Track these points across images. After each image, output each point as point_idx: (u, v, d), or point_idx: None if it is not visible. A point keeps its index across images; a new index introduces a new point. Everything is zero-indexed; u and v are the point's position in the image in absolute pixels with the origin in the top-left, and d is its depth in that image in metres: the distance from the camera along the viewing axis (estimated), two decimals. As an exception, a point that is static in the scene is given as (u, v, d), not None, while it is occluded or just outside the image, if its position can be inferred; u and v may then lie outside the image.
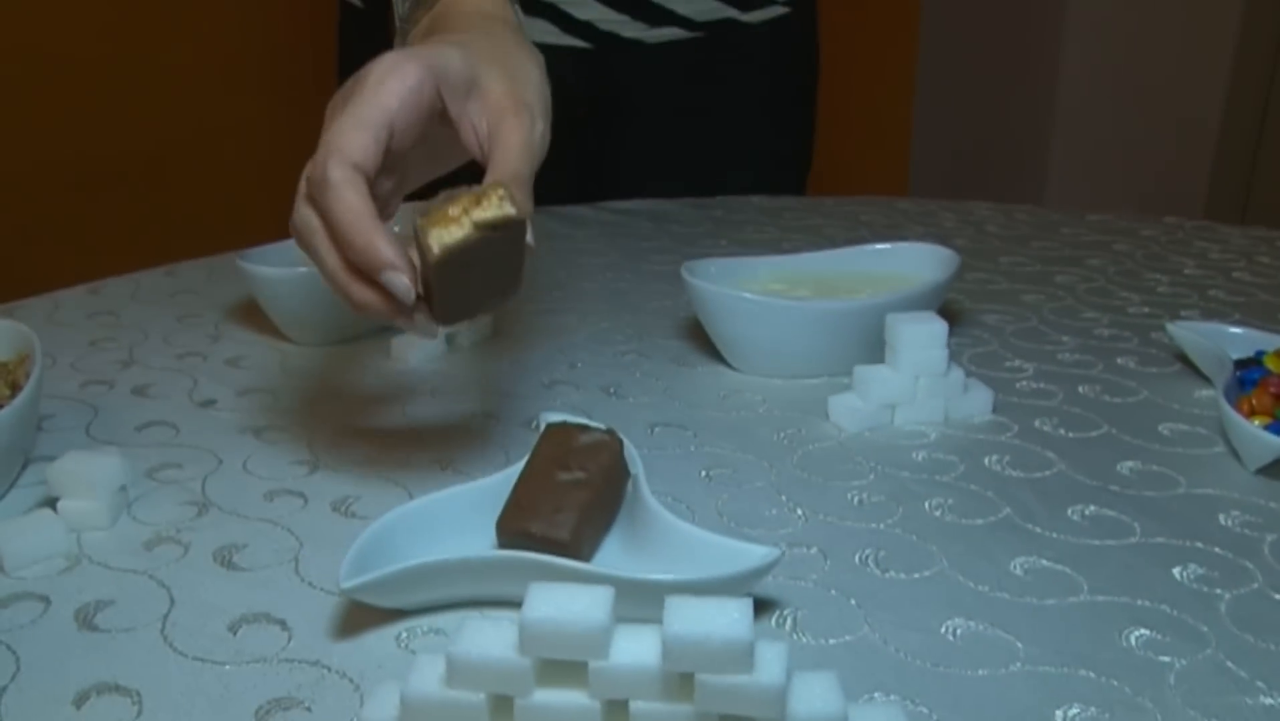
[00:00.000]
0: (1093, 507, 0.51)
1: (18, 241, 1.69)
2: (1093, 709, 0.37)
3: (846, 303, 0.65)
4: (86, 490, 0.49)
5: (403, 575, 0.40)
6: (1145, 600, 0.44)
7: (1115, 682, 0.39)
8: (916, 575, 0.46)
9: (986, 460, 0.56)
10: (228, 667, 0.40)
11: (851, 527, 0.49)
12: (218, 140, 1.82)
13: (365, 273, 0.45)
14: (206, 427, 0.60)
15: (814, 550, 0.47)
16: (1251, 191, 2.18)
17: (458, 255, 0.42)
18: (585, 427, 0.47)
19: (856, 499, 0.52)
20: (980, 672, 0.39)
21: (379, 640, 0.41)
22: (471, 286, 0.45)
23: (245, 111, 1.83)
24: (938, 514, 0.50)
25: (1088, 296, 0.81)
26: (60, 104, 1.70)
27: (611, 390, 0.64)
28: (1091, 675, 0.39)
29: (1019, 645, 0.41)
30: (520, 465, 0.47)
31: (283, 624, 0.42)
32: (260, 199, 1.79)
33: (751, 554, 0.41)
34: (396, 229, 0.53)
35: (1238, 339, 0.64)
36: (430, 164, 0.53)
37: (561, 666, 0.32)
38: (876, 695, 0.38)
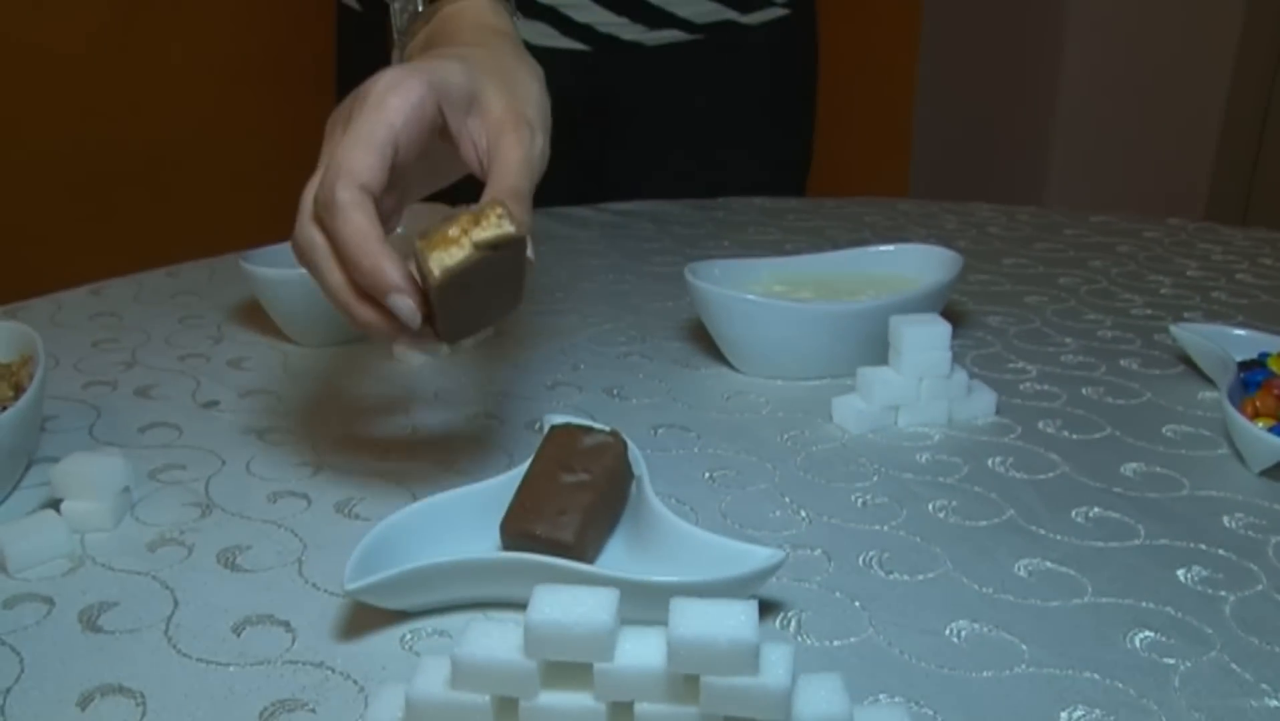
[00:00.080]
0: (1096, 509, 0.51)
1: (19, 242, 1.69)
2: (1097, 711, 0.37)
3: (850, 304, 0.65)
4: (90, 491, 0.49)
5: (407, 576, 0.40)
6: (1149, 602, 0.44)
7: (1120, 684, 0.39)
8: (920, 577, 0.46)
9: (990, 462, 0.56)
10: (232, 669, 0.40)
11: (855, 529, 0.49)
12: (219, 141, 1.82)
13: (370, 294, 0.44)
14: (209, 429, 0.60)
15: (818, 552, 0.47)
16: (1252, 192, 2.18)
17: (459, 277, 0.42)
18: (589, 429, 0.47)
19: (860, 500, 0.52)
20: (985, 674, 0.39)
21: (383, 642, 0.41)
22: (473, 304, 0.45)
23: (246, 112, 1.83)
24: (941, 515, 0.50)
25: (1090, 298, 0.81)
26: (61, 105, 1.70)
27: (614, 391, 0.64)
28: (1096, 677, 0.39)
29: (1023, 647, 0.41)
30: (524, 467, 0.47)
31: (287, 625, 0.42)
32: (262, 200, 1.79)
33: (756, 555, 0.41)
34: (401, 230, 0.53)
35: (1241, 340, 0.64)
36: (430, 178, 0.52)
37: (566, 668, 0.32)
38: (881, 697, 0.38)
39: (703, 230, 0.98)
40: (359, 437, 0.59)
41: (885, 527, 0.49)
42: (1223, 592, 0.44)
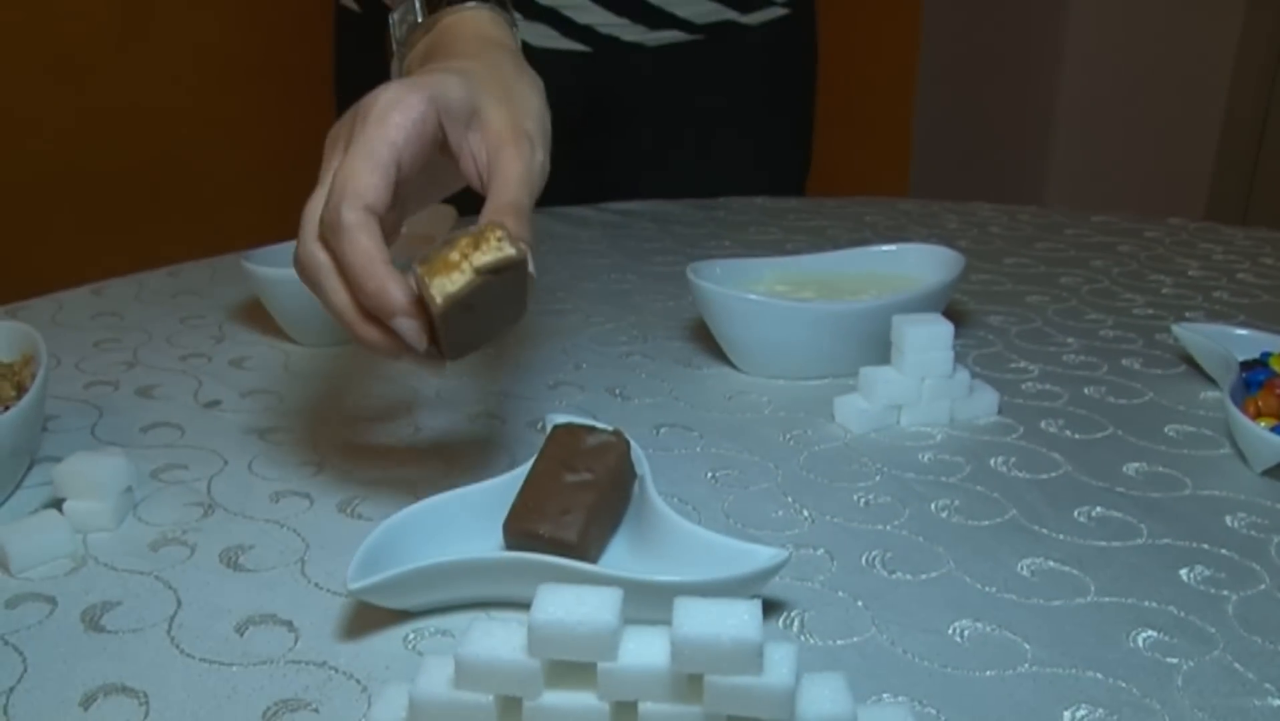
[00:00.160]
0: (1099, 509, 0.51)
1: (20, 242, 1.69)
2: (1100, 710, 0.37)
3: (852, 304, 0.65)
4: (92, 491, 0.49)
5: (410, 576, 0.40)
6: (1152, 601, 0.44)
7: (1123, 684, 0.39)
8: (923, 576, 0.46)
9: (992, 461, 0.56)
10: (235, 669, 0.40)
11: (858, 529, 0.49)
12: (219, 141, 1.82)
13: (375, 314, 0.44)
14: (211, 429, 0.60)
15: (820, 551, 0.47)
16: (1253, 192, 2.18)
17: (461, 302, 0.42)
18: (592, 429, 0.47)
19: (863, 500, 0.52)
20: (988, 674, 0.39)
21: (386, 641, 0.41)
22: (477, 322, 0.45)
23: (246, 113, 1.83)
24: (944, 515, 0.50)
25: (1092, 298, 0.81)
26: (61, 105, 1.70)
27: (616, 391, 0.64)
28: (1099, 676, 0.39)
29: (1026, 646, 0.41)
30: (526, 466, 0.47)
31: (289, 625, 0.42)
32: (262, 200, 1.79)
33: (759, 555, 0.41)
34: (403, 229, 0.53)
35: (1243, 340, 0.64)
36: (430, 191, 0.52)
37: (570, 667, 0.32)
38: (884, 696, 0.38)
39: (704, 230, 0.98)
40: (361, 437, 0.59)
41: (888, 527, 0.49)
42: (1225, 592, 0.44)
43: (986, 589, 0.45)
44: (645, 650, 0.32)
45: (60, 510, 0.48)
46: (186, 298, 0.81)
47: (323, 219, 0.45)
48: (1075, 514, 0.50)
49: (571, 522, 0.43)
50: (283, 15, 1.78)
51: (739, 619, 0.31)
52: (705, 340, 0.70)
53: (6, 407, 0.51)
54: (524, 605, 0.33)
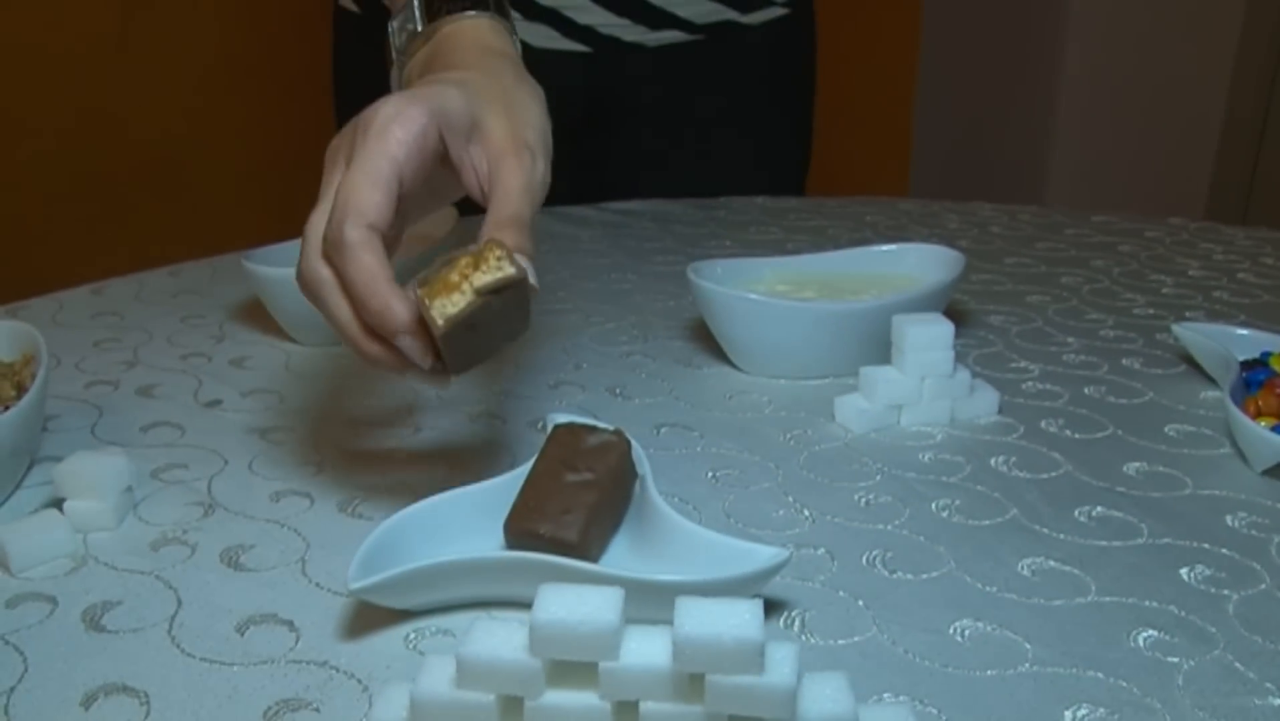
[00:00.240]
0: (1099, 509, 0.51)
1: (20, 242, 1.69)
2: (1101, 709, 0.37)
3: (852, 304, 0.65)
4: (92, 491, 0.49)
5: (411, 576, 0.40)
6: (1153, 601, 0.44)
7: (1124, 683, 0.39)
8: (924, 576, 0.46)
9: (993, 461, 0.56)
10: (235, 668, 0.40)
11: (859, 528, 0.49)
12: (219, 141, 1.82)
13: (378, 332, 0.44)
14: (212, 428, 0.60)
15: (821, 551, 0.47)
16: (1253, 192, 2.18)
17: (463, 322, 0.42)
18: (593, 428, 0.47)
19: (863, 500, 0.52)
20: (989, 673, 0.39)
21: (387, 641, 0.41)
22: (480, 339, 0.45)
23: (247, 113, 1.83)
24: (944, 515, 0.50)
25: (1092, 297, 0.81)
26: (62, 105, 1.70)
27: (617, 391, 0.64)
28: (1100, 676, 0.39)
29: (1027, 646, 0.41)
30: (527, 466, 0.47)
31: (290, 624, 0.42)
32: (262, 200, 1.79)
33: (760, 554, 0.41)
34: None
35: (1243, 340, 0.64)
36: (429, 202, 0.52)
37: (571, 667, 0.32)
38: (885, 696, 0.38)
39: (704, 229, 0.98)
40: (362, 437, 0.59)
41: (888, 527, 0.49)
42: (1226, 591, 0.44)
43: (987, 588, 0.45)
44: (647, 649, 0.32)
45: (60, 510, 0.48)
46: (187, 297, 0.81)
47: (326, 236, 0.44)
48: (1076, 513, 0.50)
49: (572, 522, 0.43)
50: (282, 16, 1.78)
51: (740, 618, 0.31)
52: (706, 340, 0.70)
53: (7, 407, 0.51)
54: (525, 605, 0.33)
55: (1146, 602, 0.44)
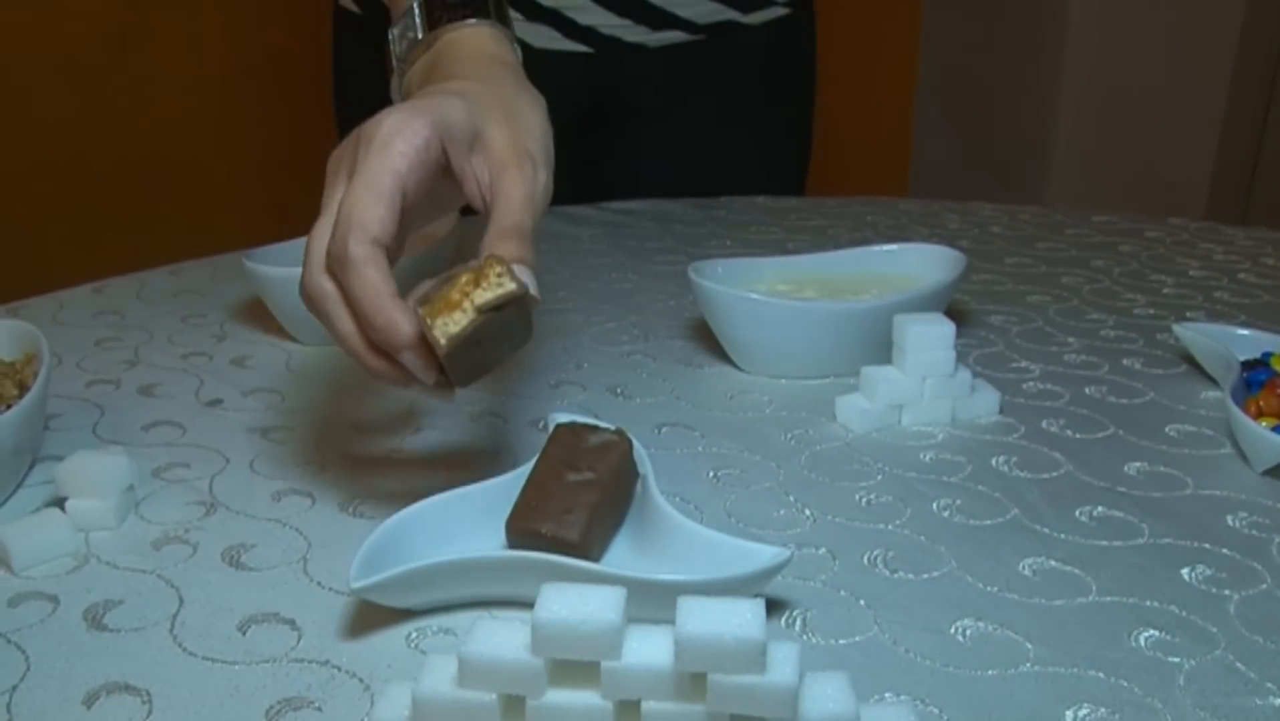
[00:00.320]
0: (1100, 508, 0.51)
1: (20, 241, 1.69)
2: (1102, 709, 0.37)
3: (853, 304, 0.65)
4: (94, 490, 0.49)
5: (412, 575, 0.40)
6: (1154, 601, 0.44)
7: (1125, 683, 0.39)
8: (925, 576, 0.46)
9: (994, 461, 0.56)
10: (237, 667, 0.40)
11: (860, 528, 0.49)
12: (220, 141, 1.82)
13: (382, 348, 0.44)
14: (213, 427, 0.60)
15: (822, 550, 0.47)
16: (1253, 192, 2.18)
17: (466, 339, 0.42)
18: (594, 428, 0.47)
19: (864, 499, 0.52)
20: (990, 673, 0.39)
21: (389, 640, 0.41)
22: (483, 352, 0.45)
23: (248, 113, 1.83)
24: (945, 515, 0.51)
25: (1093, 298, 0.81)
26: (62, 105, 1.70)
27: (618, 390, 0.64)
28: (1101, 675, 0.39)
29: (1028, 645, 0.41)
30: (529, 465, 0.47)
31: (292, 623, 0.42)
32: (263, 200, 1.79)
33: (762, 554, 0.41)
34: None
35: (1244, 340, 0.64)
36: (430, 212, 0.52)
37: (573, 666, 0.32)
38: (887, 695, 0.38)
39: (705, 229, 0.98)
40: (363, 436, 0.59)
41: (889, 526, 0.49)
42: (1227, 591, 0.44)
43: (988, 588, 0.45)
44: (648, 649, 0.32)
45: (62, 508, 0.48)
46: (188, 296, 0.81)
47: (330, 251, 0.44)
48: (1077, 513, 0.50)
49: (574, 521, 0.43)
50: (282, 16, 1.78)
51: (742, 617, 0.31)
52: (707, 339, 0.70)
53: (9, 406, 0.51)
54: (526, 604, 0.33)
55: (1147, 602, 0.44)
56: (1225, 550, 0.47)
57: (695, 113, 1.03)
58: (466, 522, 0.45)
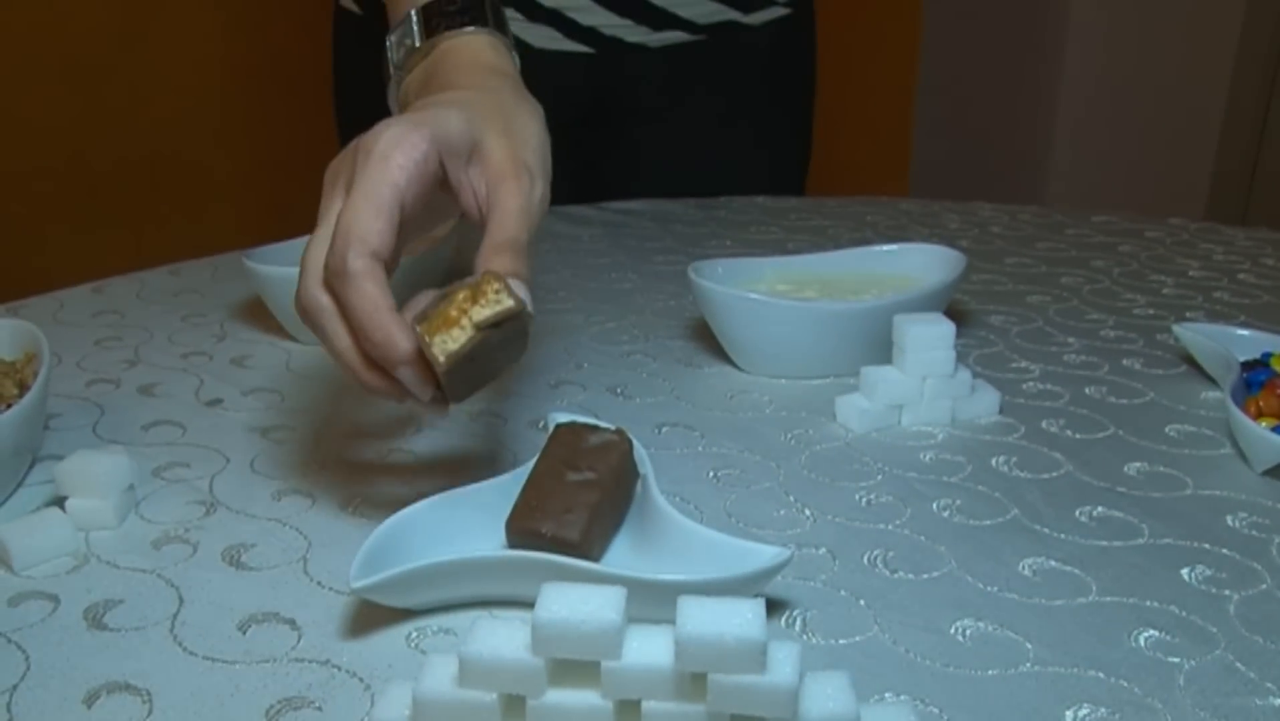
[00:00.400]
0: (1100, 509, 0.51)
1: (20, 240, 1.69)
2: (1102, 709, 0.37)
3: (853, 304, 0.65)
4: (94, 489, 0.49)
5: (413, 575, 0.40)
6: (1154, 601, 0.44)
7: (1125, 683, 0.39)
8: (925, 576, 0.46)
9: (994, 461, 0.56)
10: (238, 667, 0.40)
11: (860, 528, 0.49)
12: (221, 142, 1.82)
13: (379, 363, 0.44)
14: (213, 427, 0.60)
15: (822, 550, 0.47)
16: (1253, 192, 2.18)
17: (464, 356, 0.42)
18: (594, 428, 0.47)
19: (864, 499, 0.52)
20: (990, 673, 0.39)
21: (389, 640, 0.41)
22: (480, 368, 0.45)
23: (248, 113, 1.83)
24: (945, 515, 0.51)
25: (1093, 298, 0.81)
26: (62, 104, 1.70)
27: (618, 390, 0.65)
28: (1101, 675, 0.39)
29: (1028, 645, 0.41)
30: (529, 465, 0.47)
31: (292, 623, 0.42)
32: (263, 199, 1.79)
33: (762, 554, 0.41)
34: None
35: (1244, 340, 0.64)
36: (425, 224, 0.52)
37: (574, 666, 0.32)
38: (887, 695, 0.38)
39: (705, 229, 0.98)
40: (363, 436, 0.59)
41: (889, 526, 0.50)
42: (1227, 592, 0.44)
43: (988, 588, 0.45)
44: (649, 649, 0.32)
45: (62, 508, 0.48)
46: (188, 296, 0.81)
47: (328, 264, 0.44)
48: (1076, 513, 0.50)
49: (574, 521, 0.43)
50: (283, 16, 1.78)
51: (742, 617, 0.31)
52: (707, 339, 0.70)
53: (9, 405, 0.51)
54: (526, 604, 0.34)
55: (1147, 602, 0.44)
56: (1225, 550, 0.47)
57: (696, 113, 1.03)
58: (466, 522, 0.45)
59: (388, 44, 0.58)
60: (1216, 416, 0.61)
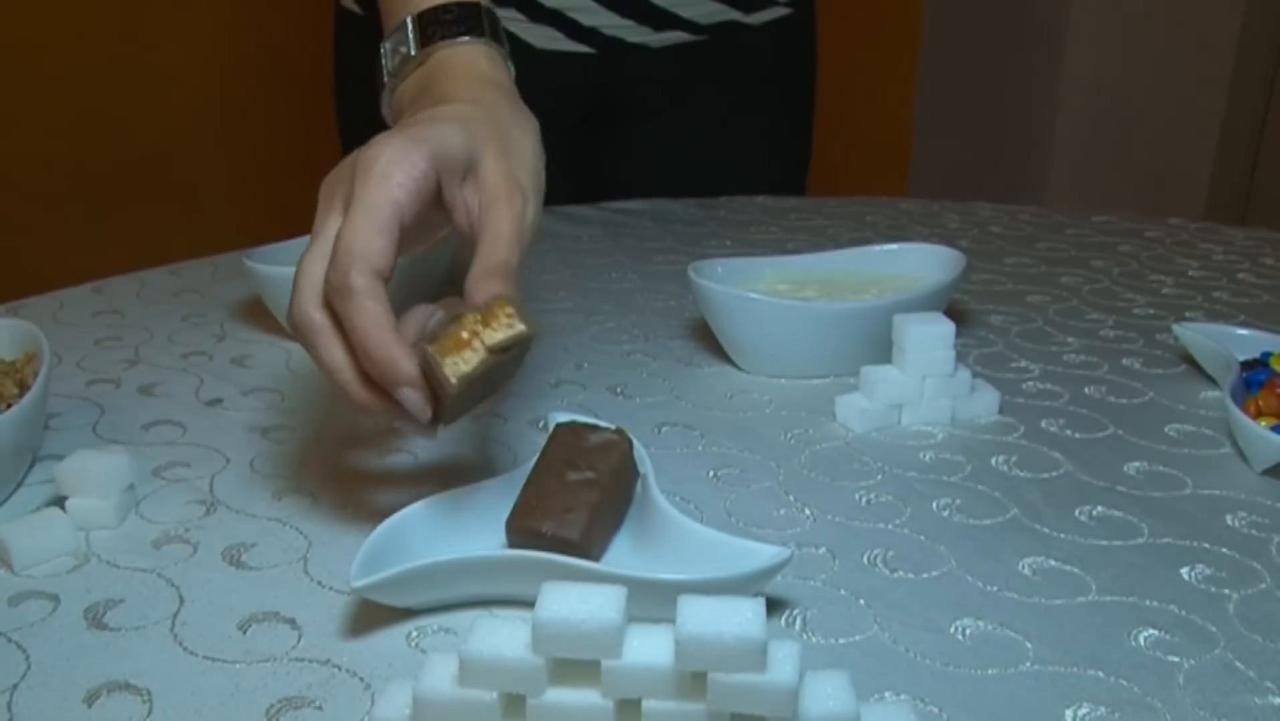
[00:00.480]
0: (1100, 508, 0.51)
1: (20, 240, 1.69)
2: (1102, 708, 0.37)
3: (853, 303, 0.65)
4: (94, 489, 0.49)
5: (413, 574, 0.40)
6: (1153, 600, 0.44)
7: (1124, 682, 0.39)
8: (925, 575, 0.46)
9: (993, 460, 0.56)
10: (238, 666, 0.40)
11: (860, 527, 0.49)
12: (219, 140, 1.82)
13: (378, 383, 0.43)
14: (213, 426, 0.60)
15: (822, 550, 0.47)
16: (1253, 192, 2.18)
17: (475, 379, 0.42)
18: (594, 427, 0.47)
19: (864, 499, 0.52)
20: (990, 672, 0.39)
21: (389, 639, 0.41)
22: (477, 391, 0.45)
23: (248, 113, 1.83)
24: (945, 514, 0.51)
25: (1092, 297, 0.81)
26: (62, 104, 1.70)
27: (618, 390, 0.65)
28: (1100, 675, 0.39)
29: (1028, 645, 0.41)
30: (529, 464, 0.47)
31: (292, 622, 0.42)
32: (264, 199, 1.79)
33: (762, 553, 0.41)
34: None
35: (1244, 340, 0.64)
36: (414, 240, 0.51)
37: (574, 665, 0.32)
38: (887, 694, 0.38)
39: (704, 229, 0.98)
40: (363, 435, 0.59)
41: (889, 526, 0.50)
42: (1226, 591, 0.44)
43: (988, 587, 0.45)
44: (649, 648, 0.32)
45: (63, 507, 0.48)
46: (188, 296, 0.81)
47: (330, 281, 0.43)
48: (1076, 513, 0.51)
49: (574, 521, 0.43)
50: (283, 16, 1.78)
51: (742, 616, 0.31)
52: (707, 339, 0.70)
53: (9, 405, 0.51)
54: (526, 603, 0.34)
55: (1147, 602, 0.44)
56: (1225, 549, 0.47)
57: (697, 113, 1.03)
58: (467, 522, 0.45)
59: (382, 51, 0.57)
60: (1216, 416, 0.61)
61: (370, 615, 0.42)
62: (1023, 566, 0.46)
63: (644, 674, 0.32)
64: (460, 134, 0.47)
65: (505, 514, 0.44)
